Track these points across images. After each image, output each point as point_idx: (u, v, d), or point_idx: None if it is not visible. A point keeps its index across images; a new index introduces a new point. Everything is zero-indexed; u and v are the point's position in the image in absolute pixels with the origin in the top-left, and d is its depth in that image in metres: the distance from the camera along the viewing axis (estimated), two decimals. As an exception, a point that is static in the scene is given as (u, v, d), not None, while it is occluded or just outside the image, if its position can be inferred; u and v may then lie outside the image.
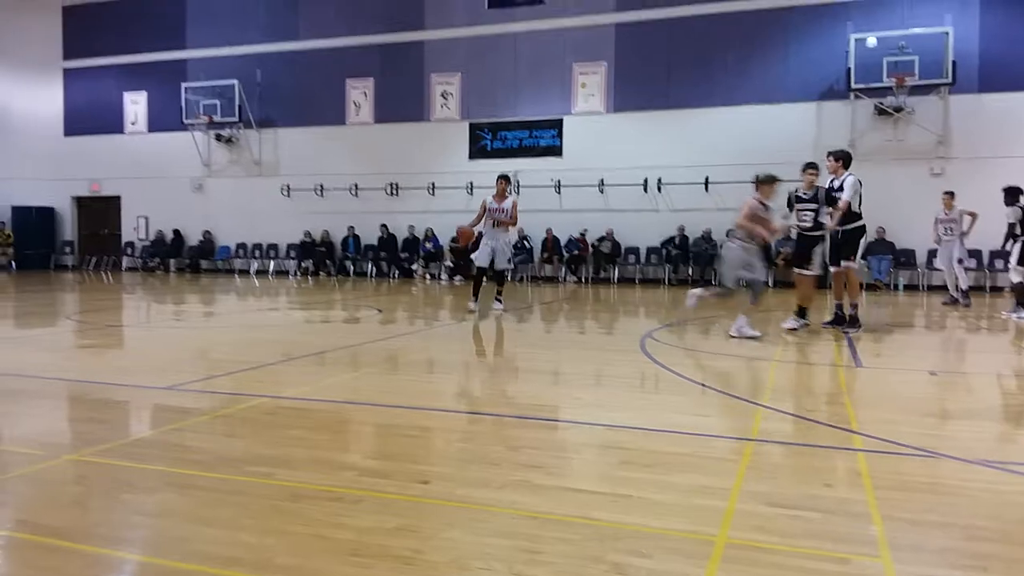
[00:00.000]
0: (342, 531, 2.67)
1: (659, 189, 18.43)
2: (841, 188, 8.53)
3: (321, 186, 21.14)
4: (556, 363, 6.76)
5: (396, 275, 19.93)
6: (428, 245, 19.79)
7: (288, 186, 21.50)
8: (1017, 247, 10.11)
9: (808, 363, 6.80)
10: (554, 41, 19.33)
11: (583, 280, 18.62)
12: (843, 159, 8.72)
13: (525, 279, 18.88)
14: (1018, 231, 10.16)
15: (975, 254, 15.62)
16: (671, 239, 18.20)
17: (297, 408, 4.65)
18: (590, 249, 18.71)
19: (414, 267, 19.87)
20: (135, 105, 23.32)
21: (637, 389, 5.58)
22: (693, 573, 2.35)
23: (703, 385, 5.50)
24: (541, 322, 10.55)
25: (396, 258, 20.15)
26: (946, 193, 12.52)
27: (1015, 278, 10.17)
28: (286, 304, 12.85)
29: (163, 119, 22.61)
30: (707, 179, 17.87)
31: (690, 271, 17.91)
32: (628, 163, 18.60)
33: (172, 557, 2.47)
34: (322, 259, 20.75)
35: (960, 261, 12.31)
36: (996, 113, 15.97)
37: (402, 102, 20.63)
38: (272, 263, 21.76)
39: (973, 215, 12.09)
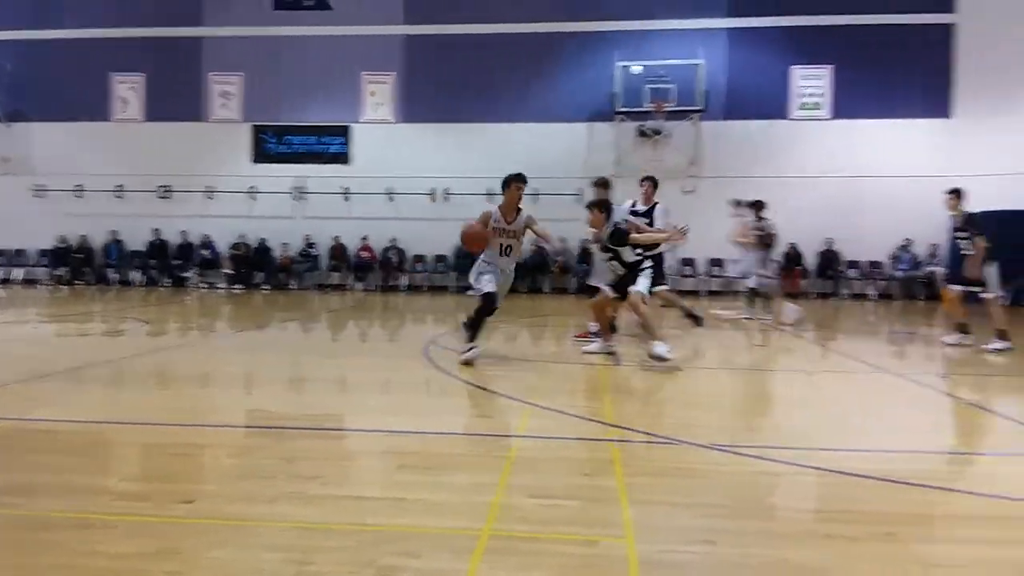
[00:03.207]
0: (96, 559, 2.52)
1: (446, 199, 18.81)
2: (648, 214, 8.66)
3: (81, 187, 19.24)
4: (339, 372, 6.71)
5: (167, 284, 18.60)
6: (205, 252, 18.70)
7: (40, 186, 19.35)
8: (759, 256, 11.21)
9: (579, 363, 7.29)
10: (343, 48, 19.14)
11: (372, 288, 18.53)
12: (657, 185, 8.97)
13: (311, 288, 18.43)
14: (768, 241, 11.24)
15: (689, 262, 17.77)
16: (459, 247, 18.62)
17: (46, 431, 4.25)
18: (378, 257, 18.67)
19: (188, 275, 18.68)
20: None
21: (417, 394, 5.69)
22: (458, 567, 2.48)
23: (482, 388, 5.74)
24: (326, 331, 10.39)
25: (167, 265, 18.80)
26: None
27: (752, 284, 11.46)
28: (36, 316, 11.57)
29: None
30: (489, 190, 18.51)
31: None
32: (416, 172, 18.84)
33: None
34: (79, 266, 18.86)
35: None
36: (738, 137, 18.08)
37: (177, 100, 19.36)
38: (19, 271, 19.44)
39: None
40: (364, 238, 18.72)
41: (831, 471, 3.62)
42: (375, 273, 18.67)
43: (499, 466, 3.59)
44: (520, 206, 7.13)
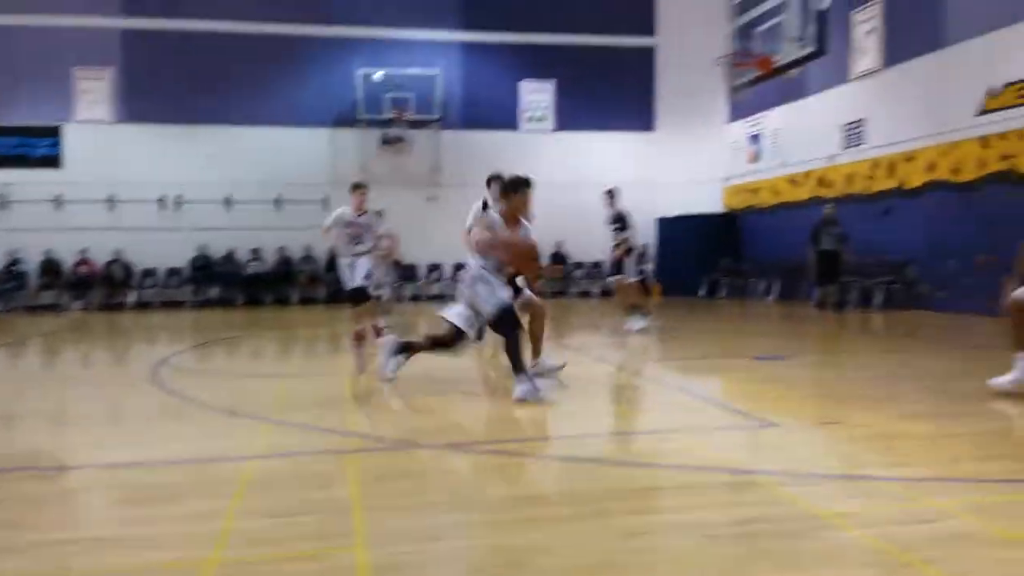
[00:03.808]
0: None
1: (178, 207, 17.61)
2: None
3: None
4: (54, 403, 6.08)
5: None
6: None
7: None
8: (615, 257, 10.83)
9: (318, 374, 7.26)
10: (52, 40, 17.12)
11: (93, 307, 16.79)
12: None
13: (17, 310, 16.30)
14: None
15: (436, 267, 18.33)
16: (194, 259, 17.54)
17: None
18: (100, 272, 16.99)
19: None
20: None
21: (144, 421, 5.34)
22: (179, 598, 2.43)
23: (219, 409, 5.52)
24: (39, 357, 9.30)
25: None
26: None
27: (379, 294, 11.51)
28: None
29: None
30: (228, 198, 17.66)
31: (214, 292, 17.46)
32: (142, 178, 17.46)
33: None
34: None
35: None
36: (477, 147, 18.90)
37: None
38: None
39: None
40: (83, 251, 16.95)
41: (550, 458, 4.00)
42: (97, 290, 16.96)
43: (232, 490, 3.51)
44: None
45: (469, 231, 7.00)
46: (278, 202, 17.78)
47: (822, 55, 11.16)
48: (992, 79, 11.52)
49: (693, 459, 3.98)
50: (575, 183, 18.45)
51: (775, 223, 17.02)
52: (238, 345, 9.44)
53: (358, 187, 8.33)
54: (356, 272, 7.98)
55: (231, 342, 9.72)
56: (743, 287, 17.26)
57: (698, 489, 3.46)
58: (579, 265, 19.18)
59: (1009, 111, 11.30)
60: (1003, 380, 5.30)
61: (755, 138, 18.14)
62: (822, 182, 15.61)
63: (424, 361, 6.76)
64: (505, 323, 5.49)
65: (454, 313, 5.65)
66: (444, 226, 18.28)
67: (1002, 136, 11.36)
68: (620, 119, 19.57)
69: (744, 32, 12.74)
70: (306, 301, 17.44)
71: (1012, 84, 11.24)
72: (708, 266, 18.00)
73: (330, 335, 11.14)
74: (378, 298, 9.43)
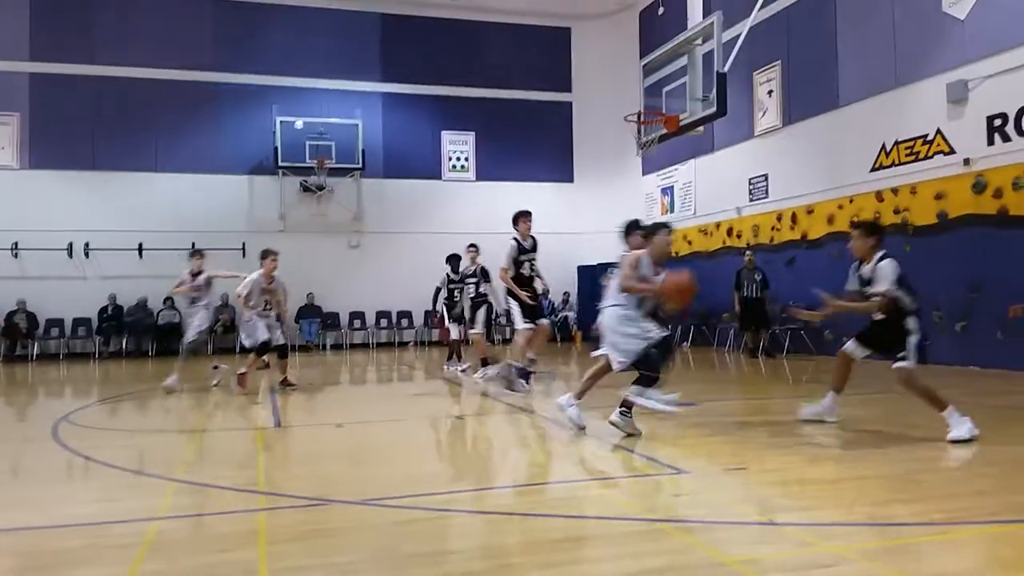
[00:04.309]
0: None
1: (86, 255, 17.00)
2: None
3: None
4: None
5: None
6: None
7: None
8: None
9: (231, 429, 7.06)
10: (-47, 84, 16.48)
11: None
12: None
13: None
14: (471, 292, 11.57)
15: (359, 315, 18.19)
16: (103, 308, 16.88)
17: None
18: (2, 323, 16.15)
19: None
20: None
21: (41, 483, 5.09)
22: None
23: (122, 468, 5.30)
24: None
25: None
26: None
27: (456, 334, 11.89)
28: None
29: None
30: (141, 245, 17.15)
31: (124, 342, 16.81)
32: (49, 225, 16.77)
33: None
34: None
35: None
36: (397, 195, 19.02)
37: None
38: None
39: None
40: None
41: (465, 512, 4.00)
42: (-4, 342, 16.10)
43: (132, 555, 3.38)
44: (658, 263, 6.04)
45: (506, 270, 8.81)
46: (193, 249, 17.33)
47: (723, 115, 11.75)
48: (883, 137, 12.34)
49: (605, 509, 4.05)
50: (496, 232, 18.61)
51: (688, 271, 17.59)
52: (147, 399, 9.10)
53: (269, 253, 9.52)
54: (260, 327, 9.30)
55: (140, 396, 9.36)
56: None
57: (609, 539, 3.53)
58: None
59: (899, 168, 12.10)
60: (807, 410, 6.27)
61: (667, 190, 18.80)
62: (731, 232, 16.27)
63: (347, 413, 6.68)
64: (652, 362, 5.69)
65: (617, 360, 5.79)
66: (367, 273, 18.31)
67: (894, 191, 12.13)
68: (541, 170, 20.04)
69: (653, 91, 13.31)
70: (222, 351, 16.94)
71: (901, 142, 12.07)
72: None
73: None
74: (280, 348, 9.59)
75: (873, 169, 12.60)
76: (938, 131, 11.41)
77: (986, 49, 10.56)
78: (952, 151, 11.19)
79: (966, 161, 10.93)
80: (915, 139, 11.82)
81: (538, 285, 9.03)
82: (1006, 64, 10.28)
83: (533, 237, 9.01)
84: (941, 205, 11.33)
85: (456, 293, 11.70)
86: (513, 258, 8.75)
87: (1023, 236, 10.07)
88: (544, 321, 9.29)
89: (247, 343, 9.80)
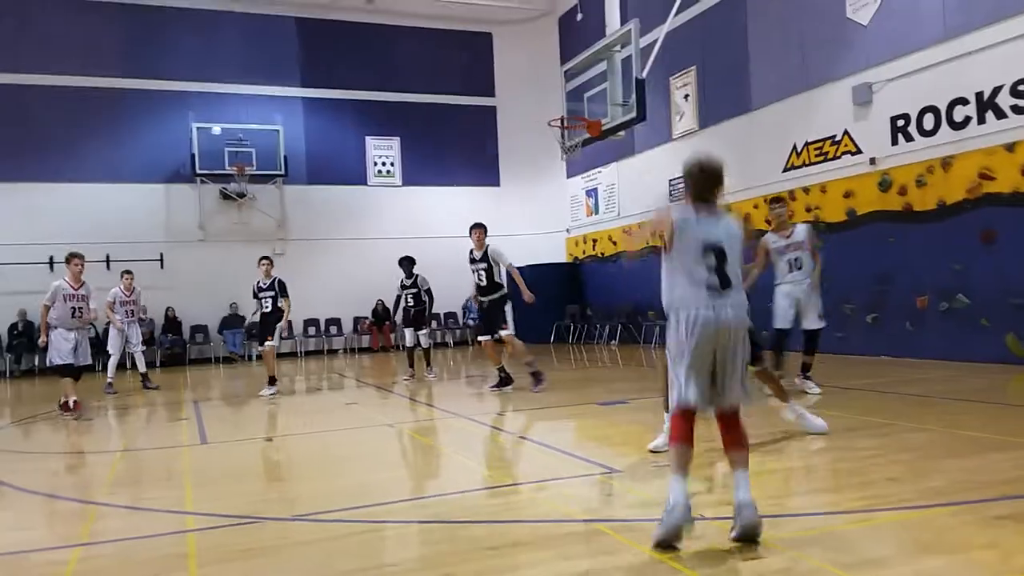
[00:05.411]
0: None
1: (-8, 271, 16.16)
2: (484, 259, 9.37)
3: None
4: None
5: None
6: None
7: None
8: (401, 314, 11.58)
9: (155, 448, 6.84)
10: None
11: None
12: (485, 230, 9.52)
13: None
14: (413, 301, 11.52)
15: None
16: (13, 325, 16.09)
17: None
18: None
19: None
20: None
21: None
22: None
23: (47, 494, 5.08)
24: None
25: None
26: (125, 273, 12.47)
27: (411, 342, 11.69)
28: None
29: None
30: (52, 258, 16.39)
31: (36, 360, 16.04)
32: (-50, 240, 15.87)
33: None
34: None
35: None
36: (321, 202, 18.73)
37: None
38: None
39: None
40: None
41: (399, 523, 3.99)
42: None
43: (52, 585, 3.26)
44: None
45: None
46: (108, 261, 16.69)
47: (643, 120, 12.03)
48: (794, 138, 12.84)
49: (538, 512, 4.10)
50: (424, 237, 18.57)
51: (614, 271, 17.89)
52: (63, 419, 8.70)
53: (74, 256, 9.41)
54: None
55: (56, 416, 8.95)
56: (589, 332, 17.94)
57: (543, 542, 3.56)
58: (435, 316, 19.24)
59: (810, 168, 12.62)
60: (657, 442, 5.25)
61: (591, 192, 19.09)
62: (653, 232, 16.60)
63: (276, 426, 6.52)
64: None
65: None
66: (293, 280, 17.86)
67: (806, 190, 12.64)
68: (467, 175, 20.06)
69: (575, 96, 13.52)
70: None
71: (811, 143, 12.58)
72: (556, 313, 18.58)
73: (168, 402, 10.56)
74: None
75: (785, 169, 13.09)
76: (845, 132, 11.95)
77: (888, 53, 11.11)
78: (859, 151, 11.73)
79: (872, 160, 11.48)
80: (824, 140, 12.34)
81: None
82: (907, 67, 10.83)
83: (487, 247, 9.42)
84: (850, 203, 11.87)
85: (409, 298, 11.48)
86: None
87: (928, 230, 10.64)
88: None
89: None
